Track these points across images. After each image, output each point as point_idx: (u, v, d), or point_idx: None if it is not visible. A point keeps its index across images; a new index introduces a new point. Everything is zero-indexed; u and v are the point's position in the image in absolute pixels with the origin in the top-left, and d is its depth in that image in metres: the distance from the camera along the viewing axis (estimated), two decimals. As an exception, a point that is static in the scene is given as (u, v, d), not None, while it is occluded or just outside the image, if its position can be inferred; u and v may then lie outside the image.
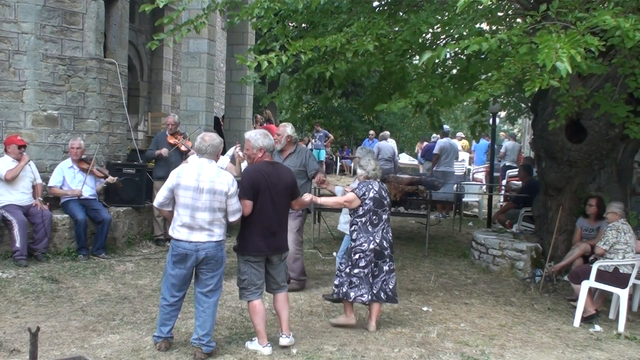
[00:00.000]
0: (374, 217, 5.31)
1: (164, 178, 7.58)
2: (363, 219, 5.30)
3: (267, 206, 4.64)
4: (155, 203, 4.62)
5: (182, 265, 4.46)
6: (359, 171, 5.46)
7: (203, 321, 4.48)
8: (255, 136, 4.76)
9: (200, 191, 4.39)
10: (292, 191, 4.87)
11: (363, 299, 5.28)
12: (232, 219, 4.56)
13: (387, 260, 5.37)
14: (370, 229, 5.30)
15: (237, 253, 4.74)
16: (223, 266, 4.60)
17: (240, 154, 6.59)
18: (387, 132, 16.03)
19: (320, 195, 6.38)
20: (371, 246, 5.27)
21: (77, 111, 8.22)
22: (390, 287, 5.39)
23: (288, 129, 6.52)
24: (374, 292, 5.31)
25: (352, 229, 5.38)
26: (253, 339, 4.77)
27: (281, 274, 4.86)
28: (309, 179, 6.51)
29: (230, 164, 6.64)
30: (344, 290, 5.30)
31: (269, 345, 4.65)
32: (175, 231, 4.46)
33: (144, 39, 13.73)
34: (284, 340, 4.75)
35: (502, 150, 15.55)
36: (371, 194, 5.28)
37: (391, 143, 17.60)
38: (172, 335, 4.66)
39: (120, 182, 7.98)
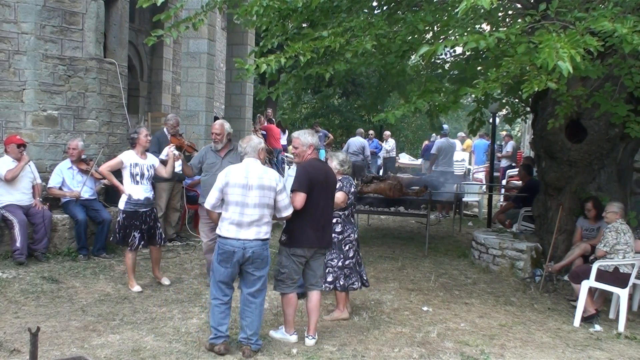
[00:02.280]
0: (354, 209, 5.73)
1: (165, 179, 7.60)
2: (346, 212, 5.58)
3: (320, 201, 4.84)
4: (208, 205, 4.70)
5: (228, 263, 4.56)
6: (339, 167, 5.51)
7: (251, 321, 4.62)
8: (304, 134, 4.99)
9: (250, 188, 4.54)
10: (334, 190, 5.13)
11: (354, 286, 5.61)
12: (284, 214, 4.70)
13: (359, 247, 5.81)
14: (352, 220, 5.71)
15: (283, 246, 4.86)
16: (268, 266, 4.71)
17: (176, 152, 6.55)
18: (361, 130, 16.67)
19: None
20: (356, 236, 5.66)
21: (77, 111, 8.23)
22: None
23: (227, 126, 6.58)
24: (365, 278, 5.73)
25: (335, 221, 5.50)
26: (279, 327, 5.00)
27: (320, 268, 5.06)
28: None
29: (160, 165, 6.48)
30: (341, 283, 5.54)
31: (295, 333, 4.93)
32: (224, 229, 4.57)
33: (144, 39, 13.72)
34: (310, 341, 4.89)
35: (509, 149, 15.56)
36: (352, 189, 5.59)
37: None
38: (228, 334, 4.72)
39: None
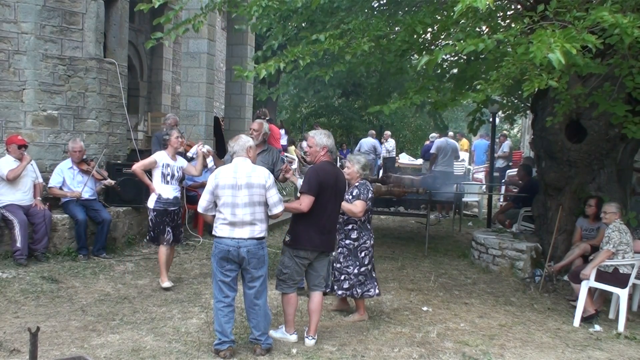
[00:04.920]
0: (370, 215, 5.56)
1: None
2: (362, 218, 5.43)
3: (328, 205, 4.80)
4: (200, 209, 4.72)
5: (225, 262, 4.55)
6: (362, 172, 5.43)
7: (257, 322, 4.64)
8: (320, 134, 4.93)
9: (239, 188, 4.52)
10: (343, 194, 5.08)
11: (370, 293, 5.54)
12: (275, 210, 4.66)
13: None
14: (368, 226, 5.54)
15: (286, 247, 4.84)
16: (266, 265, 4.68)
17: (204, 150, 6.60)
18: (372, 131, 17.86)
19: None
20: (372, 242, 5.53)
21: (77, 111, 8.22)
22: None
23: (266, 126, 6.60)
24: (378, 290, 5.63)
25: (350, 227, 5.44)
26: (279, 327, 5.01)
27: (324, 269, 5.04)
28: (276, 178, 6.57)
29: (189, 164, 6.62)
30: (357, 290, 5.49)
31: (295, 333, 4.93)
32: (218, 229, 4.58)
33: (144, 39, 13.71)
34: (310, 342, 4.88)
35: (506, 150, 15.54)
36: (370, 195, 5.42)
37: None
38: (234, 338, 4.66)
39: (119, 186, 7.95)
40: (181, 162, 6.62)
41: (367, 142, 16.36)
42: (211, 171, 7.18)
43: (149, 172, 6.50)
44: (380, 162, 17.57)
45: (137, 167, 6.47)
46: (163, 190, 6.38)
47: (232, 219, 4.51)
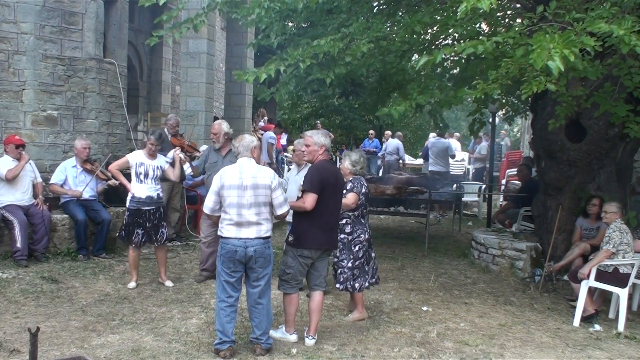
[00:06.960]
0: (364, 210, 5.61)
1: (163, 179, 7.62)
2: (356, 213, 5.53)
3: (330, 202, 4.83)
4: (206, 209, 4.70)
5: (232, 263, 4.55)
6: (350, 167, 5.51)
7: (259, 321, 4.64)
8: (318, 134, 4.99)
9: (244, 188, 4.53)
10: (342, 192, 5.12)
11: (366, 285, 5.60)
12: (280, 211, 4.68)
13: (372, 247, 5.75)
14: (362, 221, 5.60)
15: (290, 247, 4.85)
16: (271, 264, 4.70)
17: (182, 156, 6.63)
18: (399, 133, 18.47)
19: None
20: (366, 236, 5.59)
21: (76, 111, 8.23)
22: (377, 272, 5.81)
23: (224, 126, 6.59)
24: (373, 280, 5.68)
25: (344, 222, 5.49)
26: (279, 327, 5.02)
27: (325, 269, 5.07)
28: None
29: (168, 167, 6.60)
30: (352, 284, 5.53)
31: (295, 333, 4.95)
32: (224, 230, 4.57)
33: (144, 39, 13.70)
34: (310, 342, 4.89)
35: (484, 152, 15.35)
36: (363, 190, 5.50)
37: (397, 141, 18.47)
38: (235, 338, 4.66)
39: (121, 187, 7.94)
40: (160, 162, 6.54)
41: (392, 143, 16.86)
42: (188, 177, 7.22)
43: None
44: (380, 162, 17.62)
45: (112, 167, 6.60)
46: (136, 189, 6.35)
47: (239, 219, 4.51)
